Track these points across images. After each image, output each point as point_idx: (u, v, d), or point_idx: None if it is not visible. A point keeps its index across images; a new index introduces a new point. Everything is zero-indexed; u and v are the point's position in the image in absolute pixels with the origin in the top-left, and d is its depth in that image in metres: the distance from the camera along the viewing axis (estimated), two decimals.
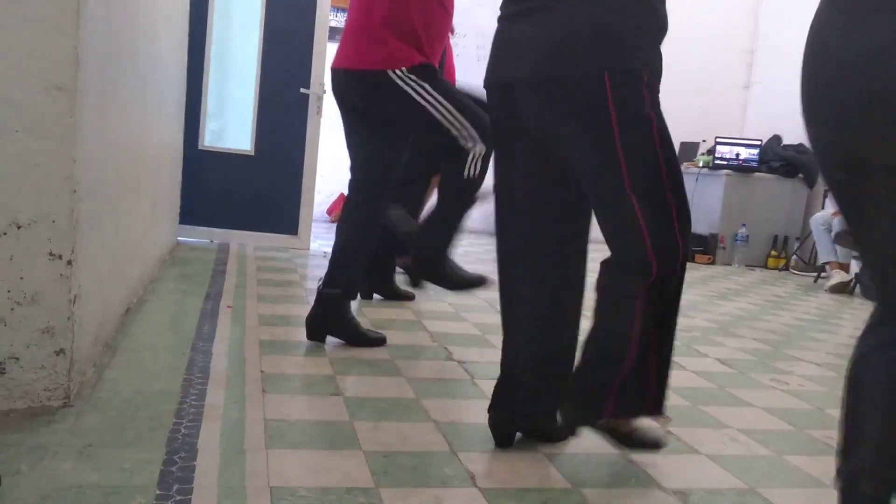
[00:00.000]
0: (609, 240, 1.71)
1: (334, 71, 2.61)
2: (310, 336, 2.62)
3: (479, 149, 2.49)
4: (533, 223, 1.82)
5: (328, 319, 2.61)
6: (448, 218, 2.62)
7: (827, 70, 1.15)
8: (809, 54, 1.20)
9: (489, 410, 1.86)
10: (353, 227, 2.64)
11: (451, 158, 2.53)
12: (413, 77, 2.44)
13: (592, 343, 1.72)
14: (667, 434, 2.03)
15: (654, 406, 1.72)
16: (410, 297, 3.57)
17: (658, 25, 1.68)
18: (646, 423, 1.84)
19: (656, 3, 1.68)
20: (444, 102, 2.46)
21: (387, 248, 3.30)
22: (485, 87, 1.85)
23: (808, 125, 1.22)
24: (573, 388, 1.76)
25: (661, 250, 1.64)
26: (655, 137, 1.65)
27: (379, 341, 2.68)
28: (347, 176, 3.77)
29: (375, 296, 3.55)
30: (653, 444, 1.82)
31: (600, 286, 1.72)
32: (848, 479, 1.10)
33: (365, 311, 3.24)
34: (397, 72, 2.43)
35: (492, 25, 1.87)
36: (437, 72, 2.52)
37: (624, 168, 1.63)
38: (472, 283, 2.71)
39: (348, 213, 2.67)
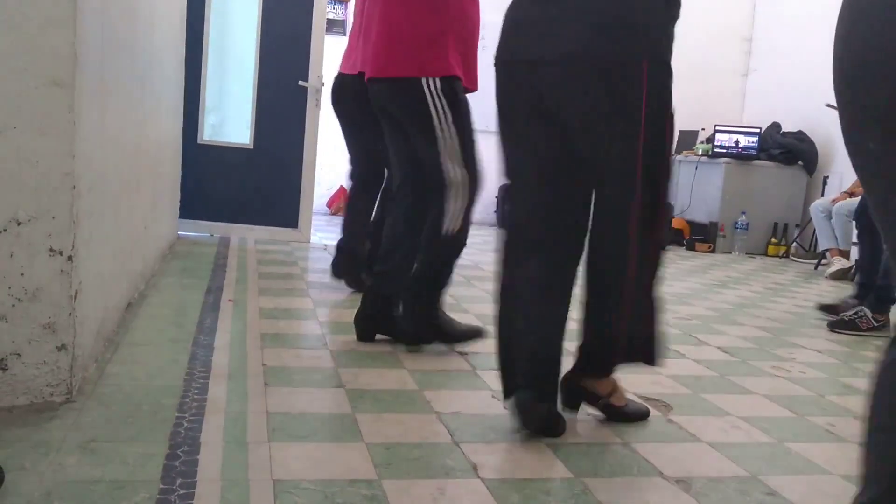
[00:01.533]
0: (597, 220, 1.83)
1: (369, 81, 2.56)
2: (360, 336, 2.59)
3: (459, 200, 2.45)
4: (540, 202, 1.85)
5: (378, 319, 2.59)
6: (432, 276, 2.55)
7: (861, 30, 1.11)
8: (843, 15, 1.18)
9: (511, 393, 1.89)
10: (397, 221, 2.62)
11: (428, 204, 2.49)
12: (441, 95, 2.39)
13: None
14: (668, 422, 2.04)
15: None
16: None
17: (674, 16, 1.77)
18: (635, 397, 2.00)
19: (676, 4, 1.75)
20: (454, 137, 2.42)
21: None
22: (498, 63, 1.84)
23: (839, 92, 1.19)
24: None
25: (644, 243, 1.79)
26: (668, 135, 1.76)
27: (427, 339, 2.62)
28: (346, 168, 3.78)
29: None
30: (643, 414, 2.02)
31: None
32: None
33: None
34: (430, 81, 2.39)
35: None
36: (462, 94, 2.46)
37: (640, 156, 1.72)
38: (468, 335, 2.60)
39: (390, 211, 2.66)
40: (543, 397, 1.83)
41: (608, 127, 1.73)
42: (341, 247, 3.61)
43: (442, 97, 2.40)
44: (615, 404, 1.97)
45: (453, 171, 2.44)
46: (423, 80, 2.40)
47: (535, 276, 1.85)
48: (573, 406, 1.97)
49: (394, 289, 2.58)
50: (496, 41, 1.85)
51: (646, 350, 1.90)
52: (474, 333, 2.59)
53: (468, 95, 2.58)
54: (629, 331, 1.86)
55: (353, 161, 3.63)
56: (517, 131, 1.85)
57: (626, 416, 1.98)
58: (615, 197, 1.80)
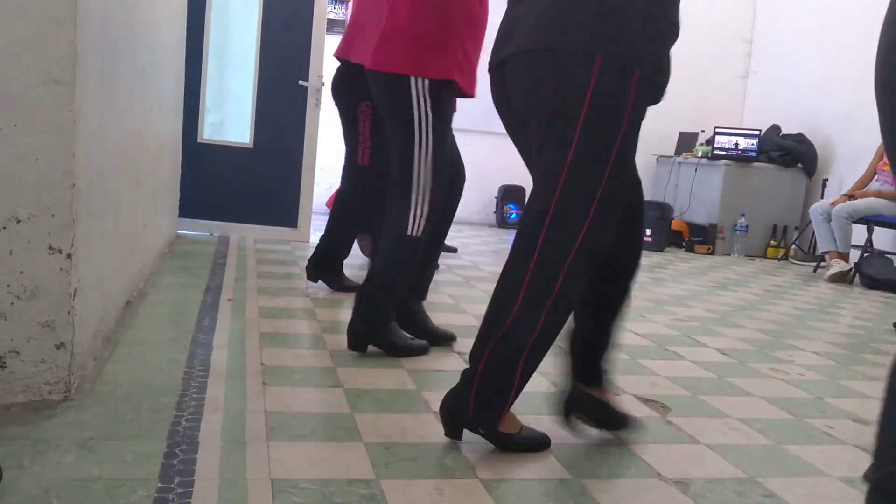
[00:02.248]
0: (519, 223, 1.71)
1: (367, 73, 2.54)
2: (352, 346, 2.50)
3: (423, 205, 2.42)
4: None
5: (370, 329, 2.53)
6: (390, 280, 2.46)
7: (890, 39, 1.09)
8: (885, 22, 1.15)
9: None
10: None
11: (394, 206, 2.45)
12: (428, 97, 2.37)
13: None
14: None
15: None
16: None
17: (669, 25, 1.62)
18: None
19: (668, 4, 1.61)
20: (431, 143, 2.39)
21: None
22: (488, 71, 1.82)
23: (877, 99, 1.16)
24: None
25: (545, 259, 1.62)
26: (616, 145, 1.57)
27: (421, 350, 2.55)
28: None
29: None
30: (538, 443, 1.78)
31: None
32: (880, 481, 1.04)
33: None
34: (418, 82, 2.37)
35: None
36: (449, 100, 2.44)
37: (567, 163, 1.58)
38: (416, 350, 2.52)
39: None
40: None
41: (551, 117, 1.61)
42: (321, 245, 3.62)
43: (428, 100, 2.37)
44: (503, 431, 1.73)
45: (423, 175, 2.41)
46: (413, 80, 2.37)
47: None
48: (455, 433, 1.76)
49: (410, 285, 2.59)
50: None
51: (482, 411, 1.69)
52: (420, 350, 2.51)
53: (467, 101, 2.58)
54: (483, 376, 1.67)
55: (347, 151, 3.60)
56: (510, 132, 1.85)
57: (517, 444, 1.74)
58: (535, 199, 1.66)
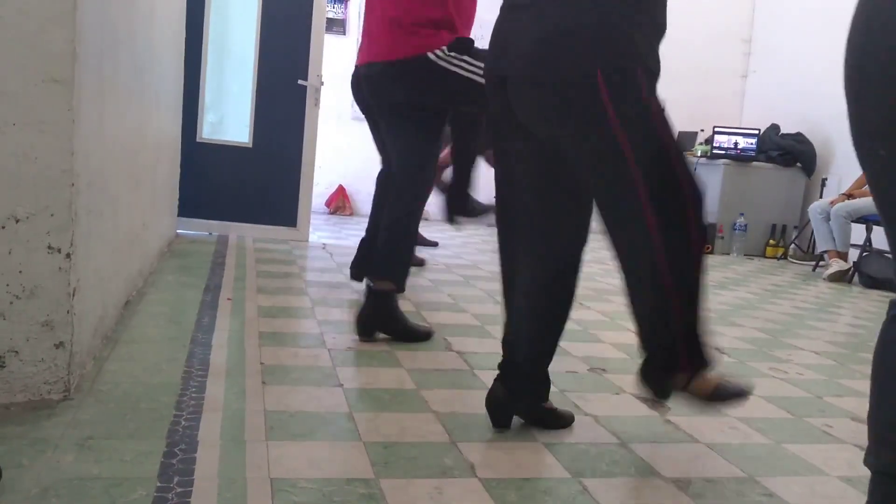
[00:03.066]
0: (611, 230, 1.73)
1: (368, 67, 2.59)
2: (360, 334, 2.60)
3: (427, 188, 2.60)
4: (532, 214, 1.82)
5: (379, 316, 2.60)
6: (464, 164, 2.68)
7: (866, 41, 1.11)
8: (852, 25, 1.17)
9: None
10: (396, 219, 2.63)
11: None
12: (453, 54, 2.45)
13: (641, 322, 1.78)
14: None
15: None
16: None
17: (654, 25, 1.67)
18: (723, 375, 1.83)
19: (652, 5, 1.66)
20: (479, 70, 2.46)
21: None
22: (483, 76, 1.84)
23: (849, 99, 1.18)
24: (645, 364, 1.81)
25: (669, 239, 1.65)
26: (656, 121, 1.64)
27: (427, 335, 2.66)
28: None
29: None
30: (741, 392, 1.81)
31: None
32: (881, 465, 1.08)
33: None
34: (437, 52, 2.44)
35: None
36: (472, 42, 2.52)
37: (629, 155, 1.62)
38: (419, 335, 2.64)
39: (390, 206, 2.66)
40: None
41: (580, 140, 1.67)
42: (362, 245, 3.62)
43: (452, 55, 2.46)
44: (700, 392, 1.77)
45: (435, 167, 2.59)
46: (429, 54, 2.45)
47: (528, 293, 1.85)
48: (663, 395, 1.85)
49: (397, 280, 2.61)
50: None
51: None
52: (424, 335, 2.64)
53: None
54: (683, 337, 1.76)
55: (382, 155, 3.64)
56: (503, 146, 1.85)
57: (717, 401, 1.79)
58: (624, 235, 1.72)
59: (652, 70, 1.66)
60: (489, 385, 2.18)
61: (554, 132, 1.70)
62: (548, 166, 1.77)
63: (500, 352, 1.91)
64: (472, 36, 2.61)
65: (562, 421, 1.92)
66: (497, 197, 1.91)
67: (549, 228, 1.81)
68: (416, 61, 2.46)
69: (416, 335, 2.63)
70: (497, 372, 1.90)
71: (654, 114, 1.65)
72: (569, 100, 1.64)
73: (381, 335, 2.62)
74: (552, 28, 1.63)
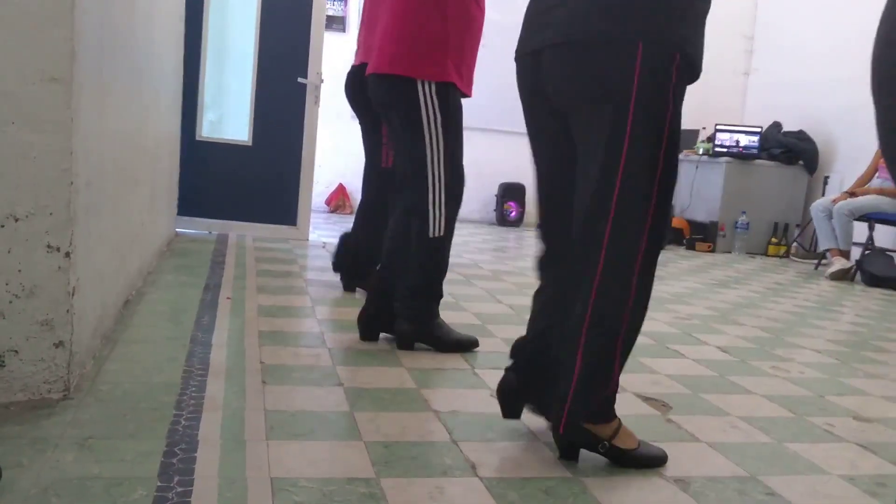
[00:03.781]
0: (576, 220, 1.68)
1: (369, 76, 2.57)
2: (364, 335, 2.59)
3: (441, 210, 2.48)
4: (560, 198, 1.78)
5: (382, 318, 2.59)
6: (426, 283, 2.56)
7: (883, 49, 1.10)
8: (877, 38, 1.17)
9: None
10: (398, 221, 2.62)
11: (410, 213, 2.51)
12: (435, 98, 2.42)
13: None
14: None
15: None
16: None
17: (701, 9, 1.63)
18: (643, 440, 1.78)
19: None
20: (441, 142, 2.44)
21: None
22: (515, 60, 1.79)
23: (874, 95, 1.18)
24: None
25: (616, 251, 1.61)
26: (665, 130, 1.59)
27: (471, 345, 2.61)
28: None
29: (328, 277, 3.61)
30: (659, 458, 1.74)
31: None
32: None
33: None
34: (425, 84, 2.41)
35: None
36: (456, 100, 2.49)
37: (624, 155, 1.58)
38: (462, 345, 2.58)
39: (395, 210, 2.65)
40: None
41: (595, 111, 1.61)
42: (343, 242, 3.61)
43: (435, 101, 2.43)
44: (620, 447, 1.69)
45: (436, 174, 2.46)
46: (420, 83, 2.42)
47: (551, 271, 1.81)
48: (571, 455, 1.71)
49: (385, 286, 2.59)
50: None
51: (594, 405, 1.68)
52: (469, 344, 2.58)
53: (466, 99, 2.59)
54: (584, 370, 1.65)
55: (367, 155, 3.64)
56: (535, 124, 1.81)
57: (635, 460, 1.70)
58: (593, 193, 1.63)
59: (690, 59, 1.61)
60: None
61: (577, 99, 1.65)
62: (565, 144, 1.73)
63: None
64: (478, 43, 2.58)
65: None
66: (538, 183, 1.84)
67: (566, 216, 1.76)
68: (405, 82, 2.43)
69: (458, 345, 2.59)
70: (510, 362, 1.86)
71: (669, 121, 1.60)
72: (603, 65, 1.59)
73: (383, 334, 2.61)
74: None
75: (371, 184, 3.50)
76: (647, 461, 1.72)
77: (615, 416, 1.72)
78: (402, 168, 2.60)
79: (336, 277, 3.58)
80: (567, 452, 1.71)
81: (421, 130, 2.44)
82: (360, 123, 3.51)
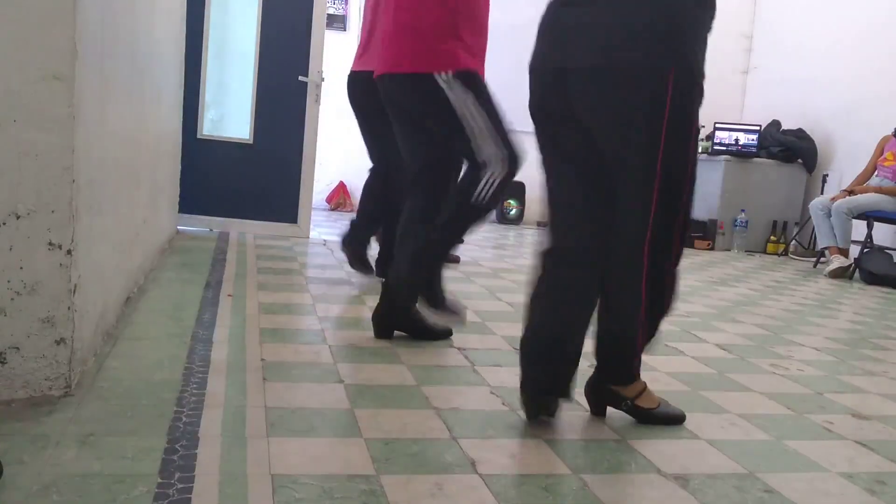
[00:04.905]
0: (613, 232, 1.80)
1: (380, 79, 2.57)
2: (378, 334, 2.60)
3: (496, 174, 2.46)
4: (574, 201, 1.85)
5: (395, 314, 2.59)
6: (446, 240, 2.58)
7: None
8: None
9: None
10: (408, 218, 2.63)
11: (469, 172, 2.50)
12: (456, 82, 2.42)
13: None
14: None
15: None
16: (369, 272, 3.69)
17: (709, 28, 1.71)
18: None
19: (712, 7, 1.70)
20: (480, 118, 2.44)
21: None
22: (531, 70, 1.83)
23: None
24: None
25: (657, 253, 1.76)
26: (692, 147, 1.73)
27: (445, 334, 2.64)
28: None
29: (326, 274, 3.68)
30: (678, 418, 1.99)
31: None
32: None
33: (365, 299, 3.24)
34: (443, 75, 2.41)
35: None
36: (481, 80, 2.49)
37: (659, 168, 1.68)
38: (439, 334, 2.63)
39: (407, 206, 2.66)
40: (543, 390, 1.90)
41: (629, 135, 1.70)
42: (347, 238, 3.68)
43: (457, 84, 2.42)
44: (643, 406, 1.95)
45: (489, 150, 2.45)
46: (437, 76, 2.42)
47: (564, 278, 1.87)
48: (599, 411, 1.98)
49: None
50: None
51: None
52: (444, 334, 2.62)
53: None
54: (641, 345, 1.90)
55: (372, 155, 3.69)
56: (552, 138, 1.85)
57: (655, 418, 1.95)
58: (632, 209, 1.77)
59: (703, 79, 1.72)
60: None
61: (608, 125, 1.72)
62: (591, 158, 1.80)
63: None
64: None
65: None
66: (548, 191, 1.90)
67: (588, 215, 1.84)
68: (424, 80, 2.43)
69: (433, 334, 2.61)
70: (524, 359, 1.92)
71: (693, 128, 1.72)
72: (637, 93, 1.66)
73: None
74: (626, 21, 1.65)
75: (378, 188, 3.58)
76: (666, 419, 1.96)
77: (639, 378, 1.95)
78: (415, 165, 2.62)
79: (337, 275, 3.60)
80: (596, 409, 1.98)
81: (456, 117, 2.43)
82: (362, 128, 3.55)
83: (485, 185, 2.46)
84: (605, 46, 1.67)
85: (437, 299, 2.60)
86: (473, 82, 2.44)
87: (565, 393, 1.91)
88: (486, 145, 2.44)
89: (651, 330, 1.89)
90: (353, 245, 3.73)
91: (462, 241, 2.65)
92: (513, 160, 2.47)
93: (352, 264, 3.76)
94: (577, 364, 1.91)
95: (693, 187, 1.78)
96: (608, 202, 1.80)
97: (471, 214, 2.53)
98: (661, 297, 1.83)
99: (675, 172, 1.72)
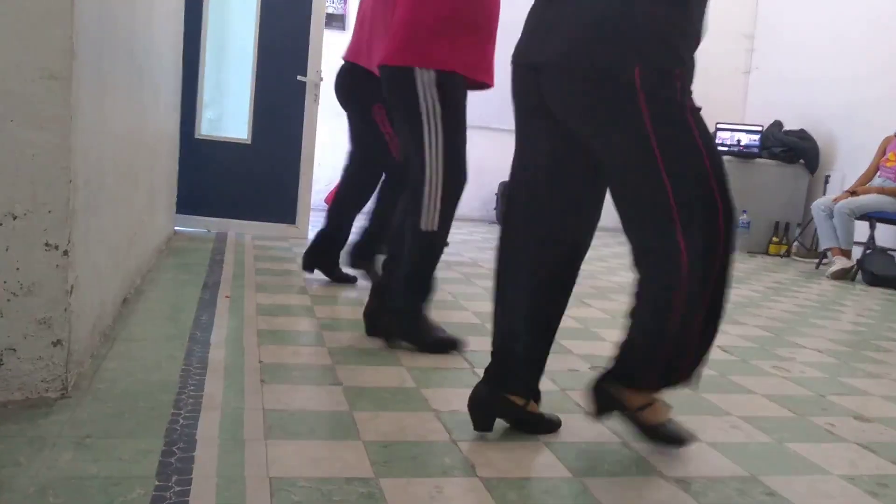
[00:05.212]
0: (632, 227, 1.69)
1: (381, 69, 2.53)
2: (369, 331, 2.58)
3: (436, 204, 2.41)
4: (547, 196, 1.78)
5: (385, 312, 2.56)
6: (416, 277, 2.50)
7: None
8: None
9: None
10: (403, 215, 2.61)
11: (410, 200, 2.44)
12: (433, 88, 2.35)
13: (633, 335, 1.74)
14: (667, 421, 2.02)
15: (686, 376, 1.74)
16: (352, 281, 3.62)
17: (693, 31, 1.65)
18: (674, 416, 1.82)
19: (694, 10, 1.64)
20: (441, 135, 2.38)
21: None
22: (511, 63, 1.80)
23: None
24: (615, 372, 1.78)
25: (695, 251, 1.60)
26: (691, 123, 1.62)
27: (454, 345, 2.56)
28: (344, 164, 3.78)
29: (318, 273, 3.65)
30: (681, 440, 1.79)
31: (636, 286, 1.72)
32: None
33: (364, 300, 3.22)
34: (424, 73, 2.35)
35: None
36: (459, 88, 2.42)
37: (659, 158, 1.58)
38: (445, 345, 2.51)
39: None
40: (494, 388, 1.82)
41: (609, 133, 1.64)
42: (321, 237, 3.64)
43: (434, 91, 2.36)
44: (646, 421, 1.77)
45: (433, 166, 2.39)
46: (418, 71, 2.36)
47: (526, 274, 1.82)
48: (603, 412, 1.82)
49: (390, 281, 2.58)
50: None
51: (682, 374, 1.74)
52: (452, 344, 2.52)
53: (485, 91, 2.56)
54: (672, 357, 1.70)
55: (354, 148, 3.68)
56: (524, 129, 1.82)
57: (656, 435, 1.78)
58: (648, 238, 1.66)
59: (688, 73, 1.63)
60: None
61: (585, 125, 1.67)
62: (568, 148, 1.74)
63: None
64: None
65: (546, 426, 1.87)
66: (511, 182, 1.85)
67: (561, 211, 1.77)
68: (403, 72, 2.38)
69: (442, 346, 2.54)
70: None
71: (690, 113, 1.63)
72: (603, 94, 1.61)
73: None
74: (592, 20, 1.61)
75: (352, 176, 3.55)
76: (668, 438, 1.78)
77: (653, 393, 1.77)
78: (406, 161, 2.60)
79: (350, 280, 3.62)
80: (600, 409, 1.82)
81: (419, 122, 2.38)
82: (348, 120, 3.54)
83: (427, 212, 2.41)
84: (569, 44, 1.63)
85: (423, 341, 2.49)
86: (447, 93, 2.38)
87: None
88: (435, 161, 2.39)
89: (690, 342, 1.67)
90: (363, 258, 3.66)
91: (433, 284, 2.57)
92: (453, 184, 2.41)
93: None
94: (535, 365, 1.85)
95: (720, 171, 1.63)
96: (579, 194, 1.77)
97: (427, 242, 2.46)
98: (714, 302, 1.65)
99: (685, 160, 1.60)
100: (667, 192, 1.59)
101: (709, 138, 1.65)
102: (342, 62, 3.49)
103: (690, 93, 1.65)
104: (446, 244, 3.07)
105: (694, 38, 1.66)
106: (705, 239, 1.60)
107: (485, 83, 2.50)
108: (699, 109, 1.66)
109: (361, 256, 3.56)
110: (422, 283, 2.53)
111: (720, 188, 1.62)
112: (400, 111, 2.46)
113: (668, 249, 1.61)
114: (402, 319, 2.50)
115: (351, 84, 3.41)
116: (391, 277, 2.56)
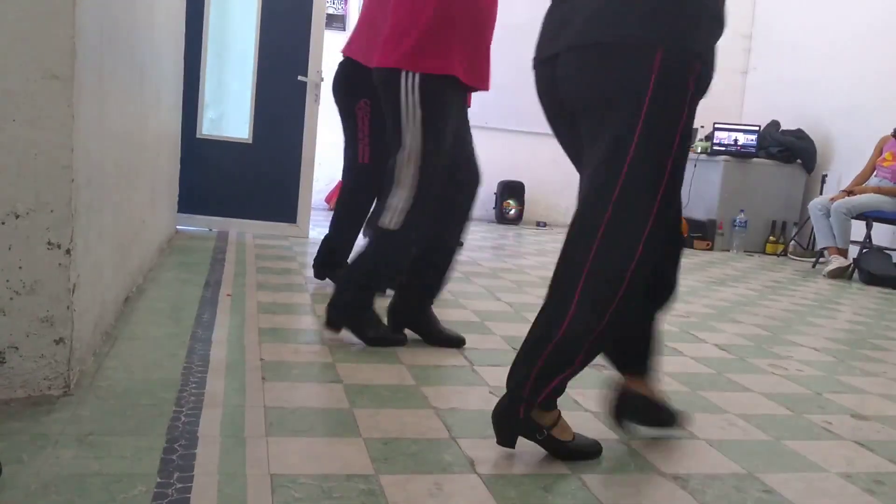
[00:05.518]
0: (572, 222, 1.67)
1: (376, 71, 2.53)
2: (395, 328, 2.58)
3: (402, 204, 2.38)
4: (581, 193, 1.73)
5: (406, 312, 2.58)
6: (366, 269, 2.48)
7: None
8: None
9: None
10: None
11: (386, 195, 2.44)
12: (416, 91, 2.34)
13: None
14: None
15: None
16: None
17: (716, 21, 1.60)
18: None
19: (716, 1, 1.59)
20: (419, 139, 2.36)
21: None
22: (533, 67, 1.77)
23: None
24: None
25: (614, 250, 1.57)
26: (675, 139, 1.56)
27: (457, 342, 2.58)
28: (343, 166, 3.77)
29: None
30: (593, 452, 1.74)
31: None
32: None
33: None
34: (409, 76, 2.34)
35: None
36: (445, 93, 2.39)
37: (629, 156, 1.54)
38: (388, 341, 2.52)
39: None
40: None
41: (608, 111, 1.58)
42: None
43: (416, 94, 2.34)
44: (557, 437, 1.68)
45: (407, 169, 2.38)
46: (403, 74, 2.35)
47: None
48: (508, 441, 1.69)
49: (413, 280, 2.58)
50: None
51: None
52: (396, 341, 2.52)
53: (481, 94, 2.56)
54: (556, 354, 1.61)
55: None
56: (554, 129, 1.80)
57: (568, 452, 1.69)
58: (595, 187, 1.60)
59: (707, 71, 1.58)
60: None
61: (589, 102, 1.62)
62: (579, 146, 1.71)
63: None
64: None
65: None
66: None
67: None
68: (389, 73, 2.38)
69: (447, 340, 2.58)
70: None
71: (680, 128, 1.57)
72: (619, 69, 1.55)
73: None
74: (611, 2, 1.56)
75: (350, 179, 3.53)
76: (580, 454, 1.70)
77: (556, 407, 1.69)
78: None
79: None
80: (507, 439, 1.68)
81: (399, 125, 2.38)
82: (340, 116, 3.53)
83: (390, 210, 2.39)
84: (589, 23, 1.58)
85: (367, 336, 2.50)
86: (431, 97, 2.35)
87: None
88: (408, 164, 2.38)
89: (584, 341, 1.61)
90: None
91: (384, 283, 2.56)
92: (421, 190, 2.38)
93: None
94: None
95: (676, 183, 1.59)
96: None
97: (385, 241, 2.43)
98: (605, 299, 1.58)
99: (653, 158, 1.55)
100: (613, 191, 1.56)
101: (681, 158, 1.61)
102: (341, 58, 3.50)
103: (697, 101, 1.61)
104: (456, 248, 3.06)
105: (718, 24, 1.60)
106: (623, 242, 1.57)
107: (479, 88, 2.49)
108: (691, 125, 1.62)
109: (324, 265, 3.56)
110: (370, 279, 2.49)
111: (659, 209, 1.57)
112: (388, 113, 2.47)
113: (582, 244, 1.59)
114: (346, 311, 2.49)
115: (342, 78, 3.41)
116: (416, 277, 2.57)
